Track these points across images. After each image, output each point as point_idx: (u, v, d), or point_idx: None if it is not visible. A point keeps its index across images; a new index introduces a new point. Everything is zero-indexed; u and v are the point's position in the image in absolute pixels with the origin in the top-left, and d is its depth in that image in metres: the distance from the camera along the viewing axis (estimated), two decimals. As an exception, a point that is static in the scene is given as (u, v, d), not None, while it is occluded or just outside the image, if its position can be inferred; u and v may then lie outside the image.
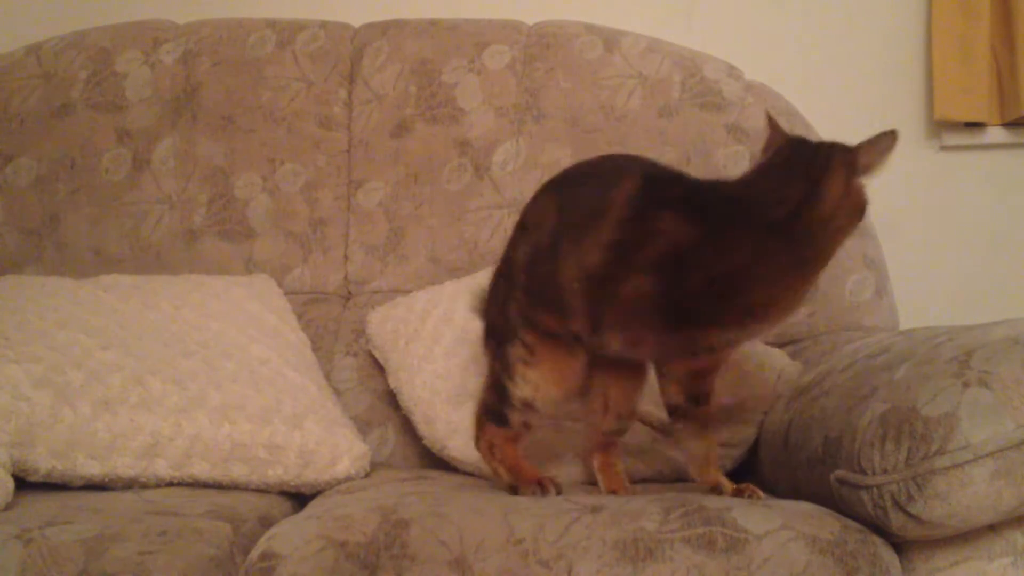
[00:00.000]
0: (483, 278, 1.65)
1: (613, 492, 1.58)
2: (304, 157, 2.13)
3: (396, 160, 2.13)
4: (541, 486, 1.47)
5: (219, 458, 1.66)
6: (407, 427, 1.91)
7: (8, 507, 1.48)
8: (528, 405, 1.50)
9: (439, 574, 1.26)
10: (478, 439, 1.54)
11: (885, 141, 1.45)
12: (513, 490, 1.49)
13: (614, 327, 1.46)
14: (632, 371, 1.58)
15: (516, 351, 1.50)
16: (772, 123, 1.56)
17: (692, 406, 1.53)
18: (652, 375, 1.62)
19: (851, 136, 2.34)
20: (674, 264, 1.41)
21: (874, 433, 1.35)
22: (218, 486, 1.66)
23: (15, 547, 1.29)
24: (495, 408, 1.52)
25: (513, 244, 1.55)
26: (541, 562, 1.27)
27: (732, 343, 1.49)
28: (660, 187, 1.46)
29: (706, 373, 1.54)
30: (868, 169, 1.45)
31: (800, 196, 1.43)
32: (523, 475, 1.49)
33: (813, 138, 1.56)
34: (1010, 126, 2.31)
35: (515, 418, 1.51)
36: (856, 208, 1.46)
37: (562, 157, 2.10)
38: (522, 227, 1.54)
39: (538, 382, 1.49)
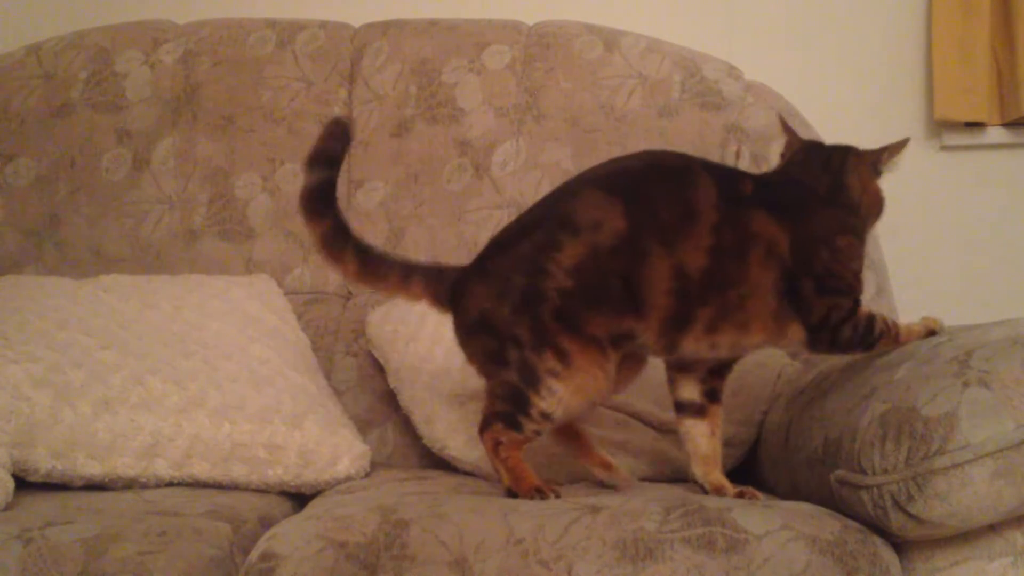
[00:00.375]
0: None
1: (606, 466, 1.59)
2: (304, 157, 2.13)
3: (396, 160, 2.13)
4: (541, 493, 1.44)
5: (219, 458, 1.66)
6: (407, 427, 1.91)
7: (8, 507, 1.48)
8: (547, 417, 1.47)
9: (439, 574, 1.26)
10: (483, 432, 1.51)
11: (901, 147, 1.58)
12: (511, 494, 1.47)
13: (706, 327, 1.47)
14: (637, 360, 1.57)
15: (546, 362, 1.45)
16: (787, 128, 1.63)
17: (708, 402, 1.57)
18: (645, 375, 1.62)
19: (851, 135, 2.35)
20: (778, 263, 1.47)
21: (874, 433, 1.35)
22: (218, 486, 1.66)
23: (15, 547, 1.29)
24: (507, 413, 1.48)
25: (546, 245, 1.47)
26: (541, 562, 1.27)
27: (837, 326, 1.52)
28: (730, 186, 1.51)
29: (726, 369, 1.58)
30: (886, 169, 1.59)
31: (827, 187, 1.54)
32: (524, 481, 1.47)
33: (825, 142, 1.65)
34: (1010, 126, 2.31)
35: (529, 427, 1.48)
36: (875, 206, 1.58)
37: (562, 157, 2.10)
38: (568, 228, 1.47)
39: (564, 394, 1.46)
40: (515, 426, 1.48)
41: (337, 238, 1.54)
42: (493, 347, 1.49)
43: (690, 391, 1.57)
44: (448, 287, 1.54)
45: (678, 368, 1.58)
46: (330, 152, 1.53)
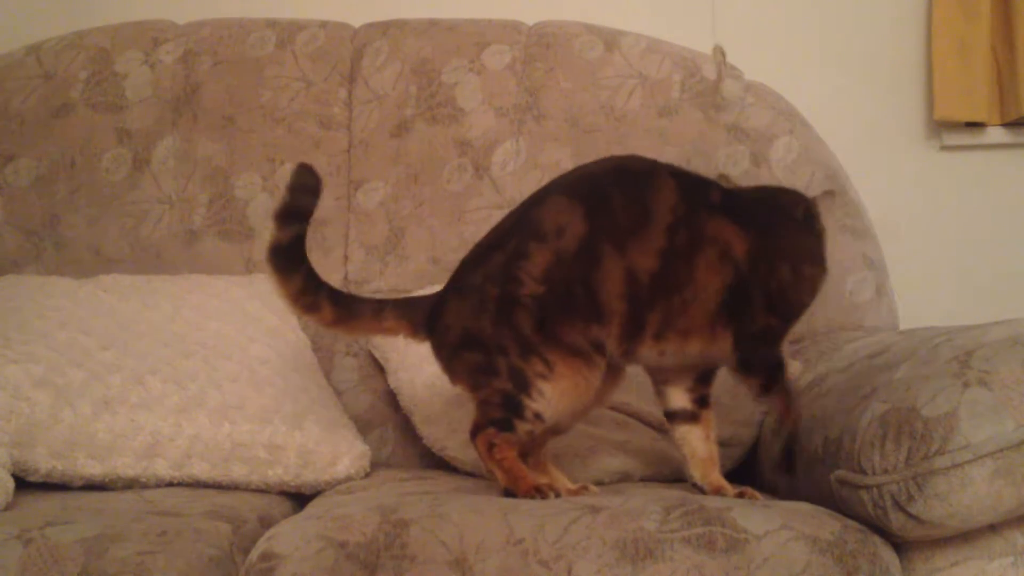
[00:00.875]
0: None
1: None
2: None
3: (396, 160, 2.13)
4: (540, 492, 1.44)
5: (219, 458, 1.66)
6: (407, 427, 1.91)
7: (8, 507, 1.48)
8: (539, 417, 1.47)
9: (439, 574, 1.26)
10: (475, 436, 1.50)
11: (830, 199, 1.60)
12: (508, 494, 1.46)
13: (654, 333, 1.48)
14: (616, 370, 1.57)
15: (534, 367, 1.45)
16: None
17: (699, 408, 1.57)
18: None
19: (852, 135, 2.35)
20: (731, 270, 1.47)
21: (874, 433, 1.35)
22: (218, 486, 1.66)
23: (15, 547, 1.29)
24: (500, 418, 1.47)
25: (516, 254, 1.48)
26: (541, 562, 1.27)
27: (774, 343, 1.53)
28: (695, 191, 1.50)
29: (711, 375, 1.57)
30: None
31: (803, 213, 1.54)
32: (522, 481, 1.46)
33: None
34: (1010, 126, 2.31)
35: (523, 428, 1.47)
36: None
37: (562, 157, 2.10)
38: (535, 236, 1.48)
39: (553, 397, 1.46)
40: (509, 428, 1.47)
41: (309, 290, 1.52)
42: (480, 360, 1.49)
43: (680, 400, 1.57)
44: (423, 314, 1.54)
45: (663, 380, 1.58)
46: (300, 207, 1.49)
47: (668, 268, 1.46)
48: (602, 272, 1.46)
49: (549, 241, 1.47)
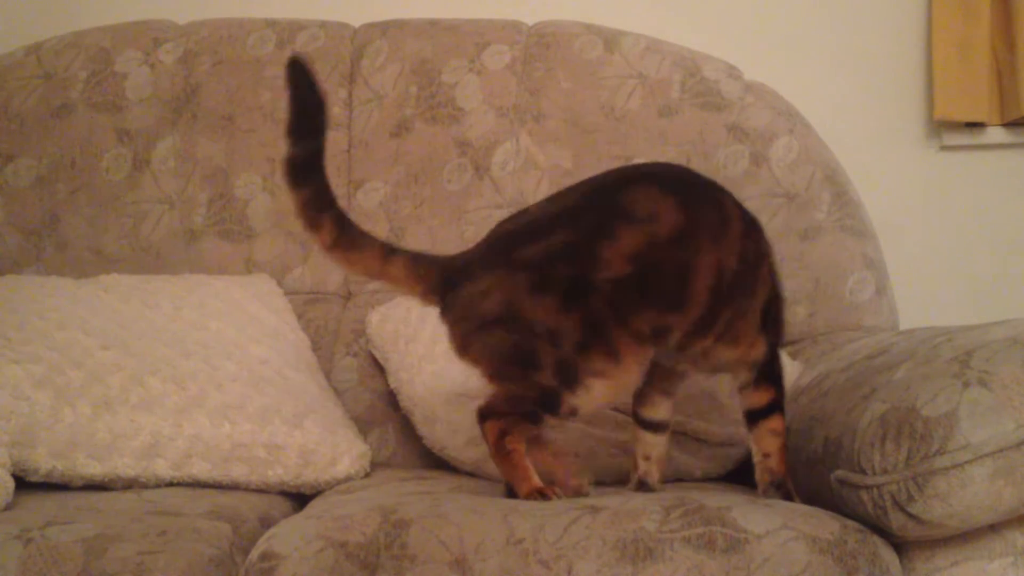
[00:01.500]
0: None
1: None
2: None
3: (396, 160, 2.13)
4: (543, 495, 1.41)
5: (219, 458, 1.66)
6: (407, 427, 1.91)
7: (8, 507, 1.48)
8: (574, 412, 1.43)
9: (439, 574, 1.26)
10: (486, 419, 1.42)
11: None
12: (510, 492, 1.45)
13: (719, 332, 1.49)
14: None
15: (591, 363, 1.40)
16: None
17: (668, 421, 1.62)
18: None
19: (852, 135, 2.35)
20: (773, 281, 1.55)
21: (874, 433, 1.35)
22: (218, 486, 1.66)
23: (15, 547, 1.29)
24: (526, 410, 1.42)
25: (597, 233, 1.41)
26: (541, 562, 1.27)
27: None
28: (740, 203, 1.55)
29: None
30: None
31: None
32: (525, 482, 1.42)
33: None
34: (1010, 126, 2.31)
35: (550, 422, 1.46)
36: None
37: (562, 157, 2.10)
38: (623, 217, 1.42)
39: (602, 392, 1.42)
40: (535, 421, 1.43)
41: (313, 205, 1.46)
42: (518, 345, 1.40)
43: (664, 413, 1.60)
44: (440, 275, 1.44)
45: (662, 390, 1.59)
46: (308, 124, 1.47)
47: (743, 272, 1.49)
48: (700, 261, 1.45)
49: (642, 224, 1.43)
